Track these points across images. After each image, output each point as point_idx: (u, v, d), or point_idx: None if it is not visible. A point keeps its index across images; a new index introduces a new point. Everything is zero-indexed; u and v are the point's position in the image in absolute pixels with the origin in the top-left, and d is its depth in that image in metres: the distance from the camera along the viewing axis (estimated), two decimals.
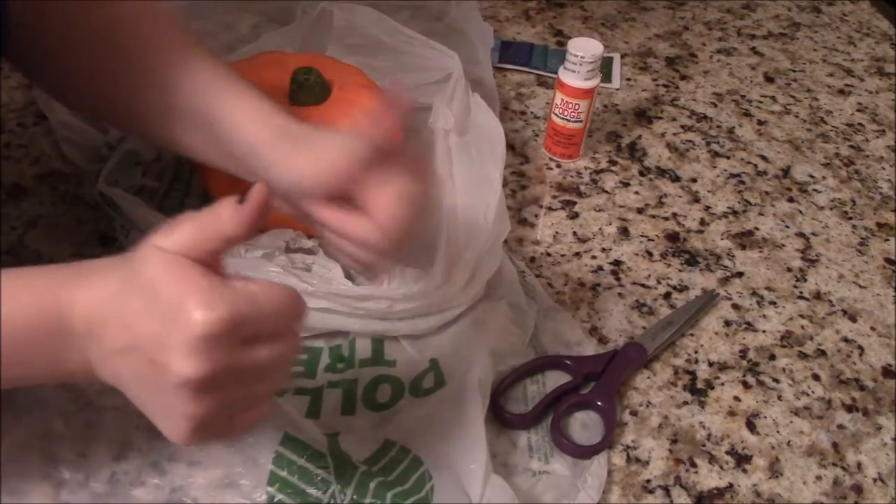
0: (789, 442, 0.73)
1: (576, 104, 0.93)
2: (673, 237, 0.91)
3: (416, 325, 0.74)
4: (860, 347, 0.81)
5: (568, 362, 0.75)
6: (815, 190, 0.99)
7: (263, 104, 0.63)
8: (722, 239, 0.91)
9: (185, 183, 0.85)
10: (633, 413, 0.74)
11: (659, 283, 0.85)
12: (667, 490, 0.68)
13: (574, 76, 0.92)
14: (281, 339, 0.51)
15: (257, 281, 0.50)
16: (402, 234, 0.61)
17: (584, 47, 0.91)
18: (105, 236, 0.81)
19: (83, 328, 0.49)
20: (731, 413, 0.75)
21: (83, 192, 0.85)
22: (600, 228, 0.90)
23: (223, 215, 0.50)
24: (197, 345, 0.46)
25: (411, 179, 0.61)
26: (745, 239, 0.91)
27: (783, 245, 0.91)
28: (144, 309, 0.48)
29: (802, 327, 0.83)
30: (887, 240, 0.93)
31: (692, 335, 0.81)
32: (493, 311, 0.77)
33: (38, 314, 0.49)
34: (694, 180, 0.98)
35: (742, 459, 0.71)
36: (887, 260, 0.91)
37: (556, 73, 0.94)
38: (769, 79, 1.15)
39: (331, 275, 0.73)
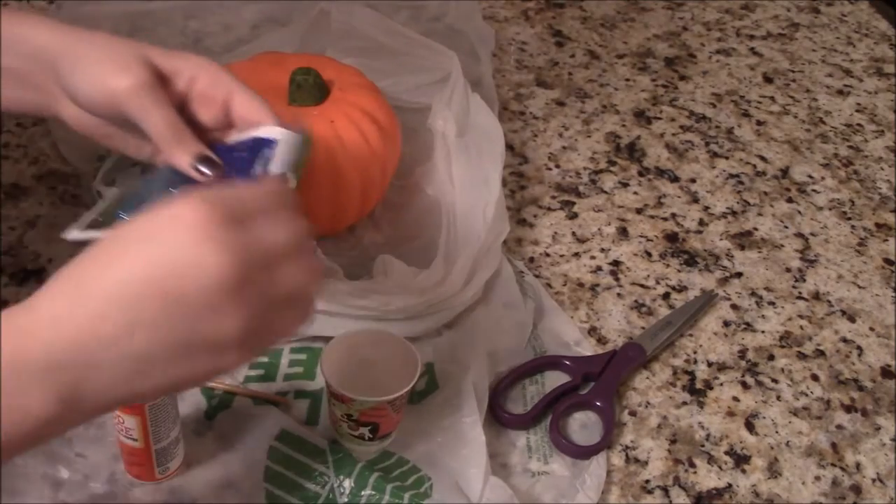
0: (788, 442, 0.73)
1: None
2: (672, 237, 0.91)
3: (414, 326, 0.74)
4: (859, 348, 0.81)
5: (567, 362, 0.75)
6: (813, 190, 0.99)
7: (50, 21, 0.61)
8: (721, 239, 0.91)
9: None
10: (632, 413, 0.74)
11: (658, 283, 0.85)
12: (666, 490, 0.68)
13: None
14: (284, 219, 0.46)
15: None
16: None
17: None
18: None
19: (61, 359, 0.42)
20: (730, 413, 0.75)
21: (81, 193, 0.85)
22: (599, 229, 0.90)
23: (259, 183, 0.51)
24: (201, 235, 0.42)
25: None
26: (744, 239, 0.91)
27: (782, 245, 0.91)
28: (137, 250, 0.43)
29: (801, 328, 0.83)
30: (886, 240, 0.93)
31: (691, 335, 0.81)
32: (492, 312, 0.77)
33: None
34: (693, 181, 0.98)
35: (741, 460, 0.71)
36: (886, 260, 0.91)
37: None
38: (768, 79, 1.15)
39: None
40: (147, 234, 0.43)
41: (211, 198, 0.44)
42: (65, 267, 0.44)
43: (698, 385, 0.76)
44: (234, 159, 0.59)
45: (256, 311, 0.44)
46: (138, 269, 0.42)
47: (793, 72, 1.17)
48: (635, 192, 0.95)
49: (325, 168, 0.76)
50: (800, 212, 0.96)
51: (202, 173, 0.57)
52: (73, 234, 0.56)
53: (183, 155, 0.58)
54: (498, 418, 0.71)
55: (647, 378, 0.77)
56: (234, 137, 0.61)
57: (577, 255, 0.87)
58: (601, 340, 0.79)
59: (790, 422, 0.74)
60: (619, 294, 0.84)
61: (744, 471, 0.70)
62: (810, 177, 1.00)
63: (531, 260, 0.86)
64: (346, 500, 0.62)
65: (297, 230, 0.47)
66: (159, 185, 0.59)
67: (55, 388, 0.41)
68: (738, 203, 0.96)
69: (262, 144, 0.59)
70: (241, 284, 0.43)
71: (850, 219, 0.95)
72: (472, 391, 0.68)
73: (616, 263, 0.87)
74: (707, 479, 0.70)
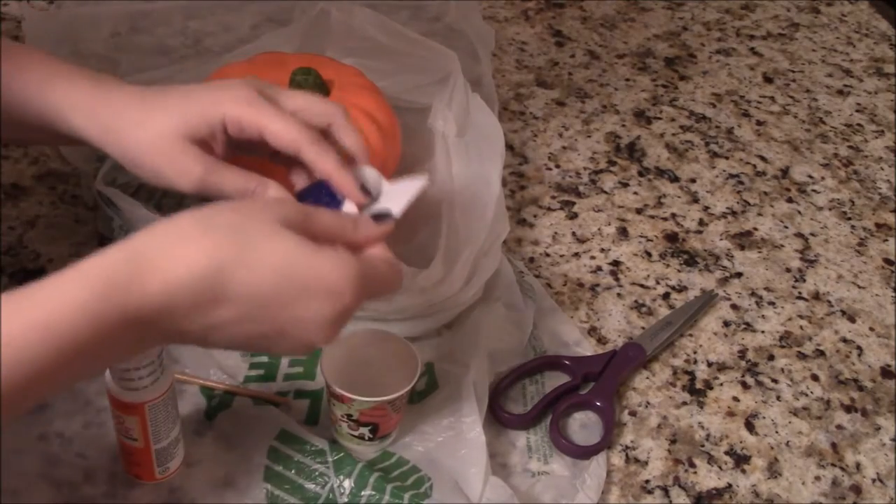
0: (788, 442, 0.73)
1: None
2: (672, 237, 0.91)
3: (414, 326, 0.74)
4: (859, 348, 0.81)
5: (567, 362, 0.75)
6: (813, 190, 0.99)
7: (93, 96, 0.62)
8: (721, 239, 0.91)
9: None
10: (632, 413, 0.74)
11: (658, 283, 0.85)
12: (666, 490, 0.68)
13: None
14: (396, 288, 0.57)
15: (371, 255, 0.56)
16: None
17: None
18: (104, 237, 0.81)
19: (164, 313, 0.48)
20: (730, 413, 0.75)
21: (81, 192, 0.85)
22: (599, 229, 0.90)
23: (359, 225, 0.56)
24: (340, 317, 0.52)
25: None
26: (744, 239, 0.91)
27: (782, 245, 0.91)
28: (272, 286, 0.50)
29: (801, 328, 0.83)
30: (886, 240, 0.93)
31: (691, 335, 0.81)
32: (492, 312, 0.77)
33: (98, 329, 0.46)
34: (693, 181, 0.98)
35: (741, 460, 0.71)
36: (886, 260, 0.91)
37: None
38: (768, 79, 1.15)
39: None
40: (295, 290, 0.50)
41: (355, 275, 0.51)
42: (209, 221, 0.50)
43: (698, 385, 0.76)
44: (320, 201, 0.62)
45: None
46: (256, 314, 0.51)
47: (793, 72, 1.17)
48: (635, 192, 0.95)
49: None
50: (800, 212, 0.96)
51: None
52: None
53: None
54: (498, 418, 0.71)
55: (647, 378, 0.77)
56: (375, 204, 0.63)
57: (577, 255, 0.87)
58: (601, 340, 0.79)
59: (790, 422, 0.74)
60: (619, 294, 0.84)
61: (744, 471, 0.70)
62: (810, 177, 1.00)
63: (531, 260, 0.86)
64: (346, 500, 0.62)
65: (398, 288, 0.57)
66: None
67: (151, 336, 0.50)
68: (738, 203, 0.96)
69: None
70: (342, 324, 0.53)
71: (850, 219, 0.95)
72: (472, 391, 0.68)
73: (616, 263, 0.87)
74: (707, 479, 0.70)
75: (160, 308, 0.48)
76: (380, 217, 0.60)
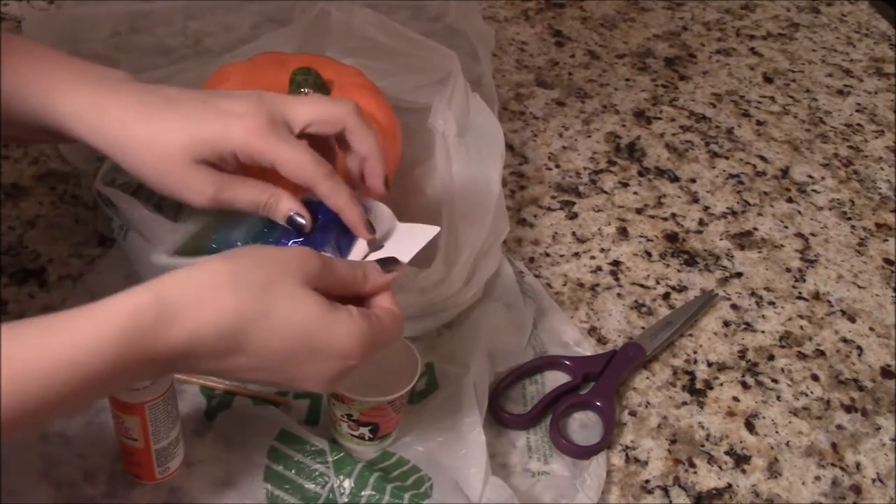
0: (788, 442, 0.73)
1: None
2: (672, 237, 0.91)
3: (414, 326, 0.74)
4: (859, 348, 0.81)
5: (567, 362, 0.75)
6: (813, 190, 0.99)
7: (95, 104, 0.61)
8: (721, 239, 0.91)
9: None
10: (632, 413, 0.74)
11: (658, 283, 0.85)
12: (666, 490, 0.68)
13: None
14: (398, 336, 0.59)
15: (378, 308, 0.58)
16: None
17: None
18: (104, 237, 0.81)
19: (182, 356, 0.50)
20: (730, 413, 0.75)
21: (81, 192, 0.85)
22: (599, 229, 0.90)
23: (369, 276, 0.58)
24: (344, 374, 0.55)
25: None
26: (744, 239, 0.91)
27: (782, 245, 0.91)
28: (289, 346, 0.52)
29: (801, 328, 0.83)
30: (886, 240, 0.93)
31: (691, 335, 0.81)
32: (492, 312, 0.77)
33: (121, 370, 0.48)
34: (693, 181, 0.98)
35: (741, 460, 0.71)
36: (886, 260, 0.91)
37: None
38: (768, 79, 1.15)
39: None
40: (308, 349, 0.53)
41: (365, 338, 0.54)
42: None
43: (698, 385, 0.76)
44: (330, 212, 0.63)
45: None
46: (269, 366, 0.54)
47: (793, 72, 1.17)
48: (635, 192, 0.95)
49: None
50: (800, 212, 0.96)
51: (294, 225, 0.62)
52: (162, 259, 0.59)
53: (276, 213, 0.63)
54: (498, 418, 0.71)
55: (647, 378, 0.77)
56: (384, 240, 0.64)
57: (577, 255, 0.87)
58: (601, 340, 0.79)
59: (790, 422, 0.74)
60: (619, 294, 0.84)
61: (744, 471, 0.70)
62: (810, 177, 1.00)
63: (531, 260, 0.86)
64: (346, 500, 0.62)
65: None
66: (252, 222, 0.66)
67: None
68: (738, 203, 0.96)
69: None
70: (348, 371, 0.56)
71: (850, 219, 0.95)
72: (472, 391, 0.68)
73: (616, 263, 0.87)
74: (707, 479, 0.70)
75: (181, 353, 0.50)
76: (388, 262, 0.60)
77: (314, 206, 0.63)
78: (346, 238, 0.63)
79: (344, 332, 0.53)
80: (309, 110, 0.62)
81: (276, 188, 0.62)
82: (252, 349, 0.51)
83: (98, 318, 0.48)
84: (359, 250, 0.63)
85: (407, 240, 0.63)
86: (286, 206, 0.62)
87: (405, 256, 0.62)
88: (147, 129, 0.60)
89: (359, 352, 0.54)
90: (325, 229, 0.63)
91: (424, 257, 0.76)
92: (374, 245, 0.63)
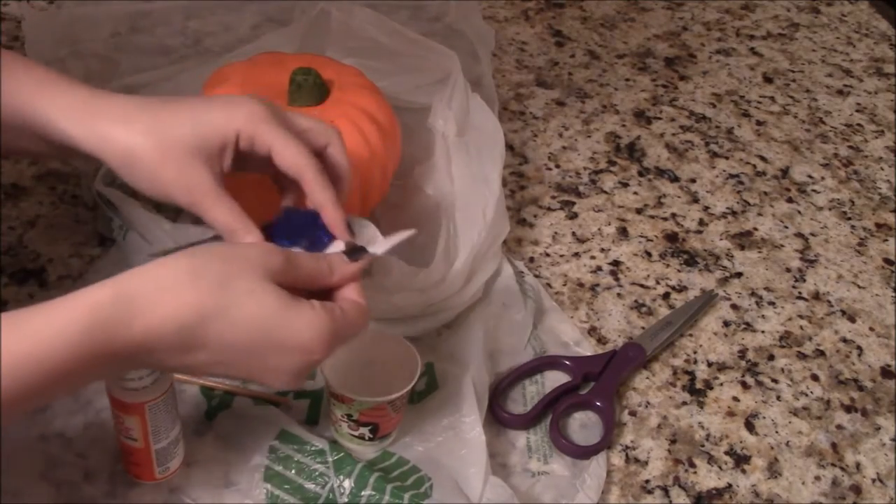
0: (788, 442, 0.73)
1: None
2: (672, 237, 0.91)
3: (414, 326, 0.74)
4: (859, 348, 0.81)
5: (567, 362, 0.75)
6: (813, 190, 0.99)
7: (87, 102, 0.61)
8: (721, 239, 0.91)
9: None
10: (632, 413, 0.74)
11: (658, 283, 0.85)
12: (666, 490, 0.68)
13: None
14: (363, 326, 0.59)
15: (345, 300, 0.57)
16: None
17: None
18: (104, 237, 0.81)
19: (143, 351, 0.51)
20: (730, 413, 0.75)
21: (81, 192, 0.85)
22: (599, 229, 0.90)
23: (334, 268, 0.57)
24: (308, 368, 0.55)
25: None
26: (744, 239, 0.91)
27: (782, 245, 0.91)
28: (248, 340, 0.52)
29: (801, 328, 0.83)
30: (886, 240, 0.93)
31: (691, 335, 0.81)
32: (492, 312, 0.77)
33: (81, 362, 0.49)
34: (693, 181, 0.98)
35: (741, 460, 0.71)
36: (886, 260, 0.91)
37: None
38: (768, 79, 1.15)
39: None
40: (272, 344, 0.53)
41: (327, 332, 0.54)
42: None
43: (698, 385, 0.76)
44: (302, 220, 0.63)
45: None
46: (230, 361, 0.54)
47: (793, 72, 1.17)
48: (635, 192, 0.95)
49: None
50: (800, 212, 0.96)
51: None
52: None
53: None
54: (498, 418, 0.71)
55: (647, 378, 0.77)
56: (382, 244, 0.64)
57: (577, 255, 0.87)
58: (601, 340, 0.79)
59: (790, 422, 0.74)
60: (619, 294, 0.84)
61: (744, 471, 0.70)
62: (810, 177, 1.00)
63: (531, 260, 0.86)
64: (346, 500, 0.62)
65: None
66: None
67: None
68: (738, 203, 0.96)
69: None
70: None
71: (850, 219, 0.95)
72: (472, 391, 0.68)
73: (616, 263, 0.87)
74: (707, 479, 0.70)
75: (141, 347, 0.50)
76: (355, 251, 0.60)
77: (288, 217, 0.63)
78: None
79: (304, 326, 0.53)
80: (303, 121, 0.64)
81: (250, 223, 0.61)
82: (212, 344, 0.51)
83: (60, 314, 0.49)
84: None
85: (385, 243, 0.63)
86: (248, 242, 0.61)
87: (379, 250, 0.62)
88: (149, 118, 0.60)
89: (321, 346, 0.54)
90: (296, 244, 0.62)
91: (423, 257, 0.76)
92: (351, 248, 0.62)
